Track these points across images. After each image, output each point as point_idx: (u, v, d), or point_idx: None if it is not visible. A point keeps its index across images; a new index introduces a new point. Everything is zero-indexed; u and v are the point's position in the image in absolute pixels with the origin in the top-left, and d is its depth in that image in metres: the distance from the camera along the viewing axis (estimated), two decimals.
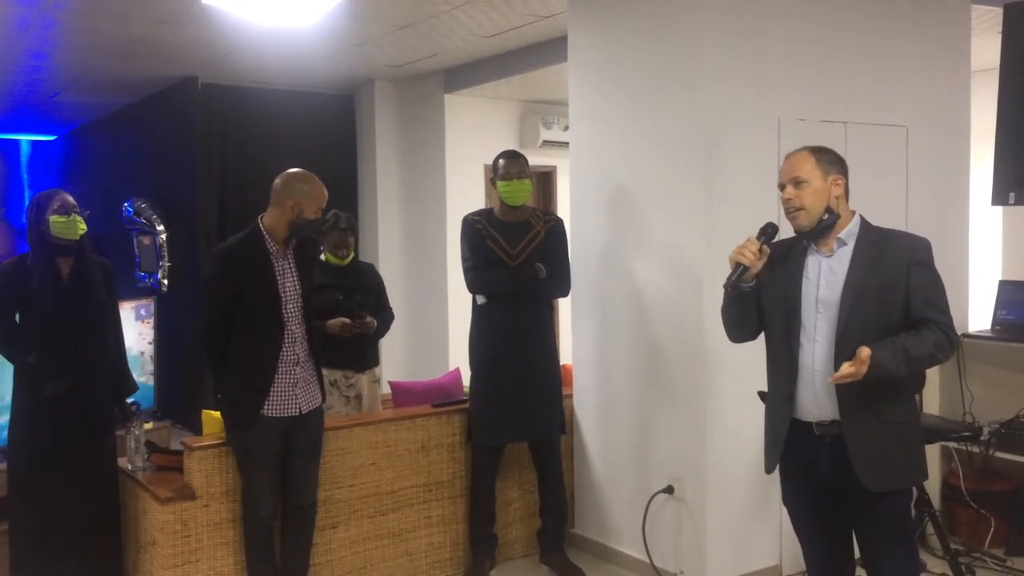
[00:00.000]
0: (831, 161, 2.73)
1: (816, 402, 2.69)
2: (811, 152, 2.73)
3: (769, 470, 2.85)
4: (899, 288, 2.64)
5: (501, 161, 4.14)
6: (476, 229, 4.11)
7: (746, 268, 2.69)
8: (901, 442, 2.71)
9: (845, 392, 2.63)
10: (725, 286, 2.76)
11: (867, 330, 2.60)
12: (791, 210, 2.70)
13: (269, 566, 3.66)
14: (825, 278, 2.70)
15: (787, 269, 2.76)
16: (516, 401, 4.07)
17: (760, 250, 2.70)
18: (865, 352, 2.51)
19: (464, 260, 4.13)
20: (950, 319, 2.67)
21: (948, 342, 2.63)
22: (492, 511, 4.26)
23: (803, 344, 2.70)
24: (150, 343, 5.94)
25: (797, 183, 2.69)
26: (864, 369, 2.51)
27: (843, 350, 2.62)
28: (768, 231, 2.75)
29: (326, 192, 3.62)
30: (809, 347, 2.69)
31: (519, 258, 4.08)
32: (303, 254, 3.69)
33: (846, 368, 2.54)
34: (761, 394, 2.95)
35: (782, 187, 2.74)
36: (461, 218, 4.22)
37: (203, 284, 3.92)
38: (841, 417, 2.65)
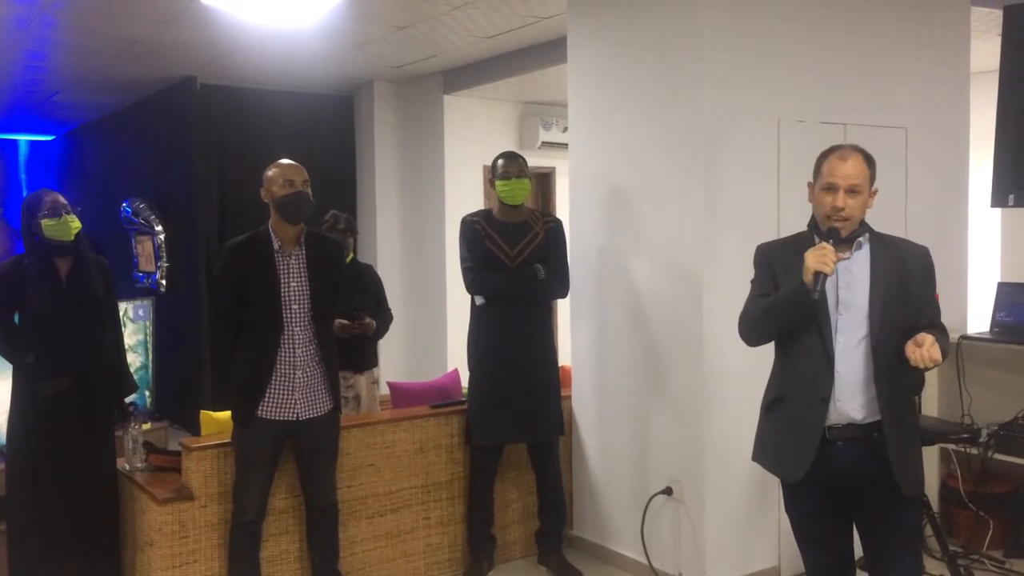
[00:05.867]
0: (874, 169, 2.71)
1: (836, 407, 2.66)
2: (865, 160, 2.68)
3: (794, 477, 2.76)
4: (912, 291, 2.66)
5: (500, 161, 4.14)
6: (475, 230, 4.11)
7: (826, 276, 2.59)
8: (917, 445, 2.77)
9: (880, 397, 2.64)
10: (813, 297, 2.59)
11: (896, 330, 2.60)
12: (839, 217, 2.64)
13: (246, 571, 3.63)
14: (844, 279, 2.68)
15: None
16: (515, 402, 4.06)
17: (836, 257, 2.61)
18: (928, 338, 2.47)
19: (463, 261, 4.13)
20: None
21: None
22: (490, 512, 4.26)
23: (832, 347, 2.67)
24: (148, 344, 5.94)
25: (853, 192, 2.64)
26: (935, 352, 2.45)
27: (881, 353, 2.62)
28: (834, 236, 2.66)
29: (296, 167, 3.55)
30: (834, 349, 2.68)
31: (518, 259, 4.07)
32: (321, 255, 3.59)
33: (930, 351, 2.46)
34: (770, 402, 2.87)
35: (832, 188, 2.65)
36: (460, 219, 4.22)
37: (212, 280, 3.91)
38: (883, 421, 2.64)
